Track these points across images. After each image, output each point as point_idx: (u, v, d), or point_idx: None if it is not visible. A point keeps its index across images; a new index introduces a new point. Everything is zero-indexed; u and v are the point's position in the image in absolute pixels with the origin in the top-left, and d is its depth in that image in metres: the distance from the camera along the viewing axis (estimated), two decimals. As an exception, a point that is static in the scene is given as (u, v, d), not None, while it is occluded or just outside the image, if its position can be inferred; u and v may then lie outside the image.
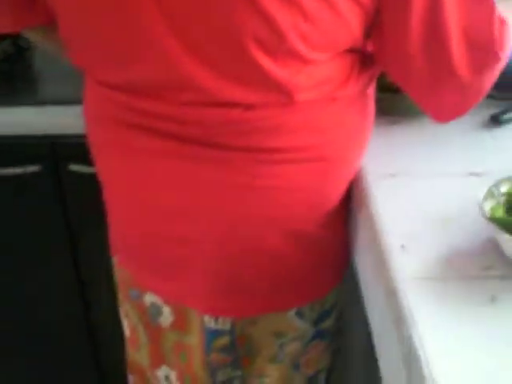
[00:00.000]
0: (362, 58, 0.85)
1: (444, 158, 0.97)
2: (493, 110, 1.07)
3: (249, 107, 0.79)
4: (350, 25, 0.77)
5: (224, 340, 0.96)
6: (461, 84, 0.81)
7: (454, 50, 0.78)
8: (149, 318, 1.00)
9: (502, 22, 0.80)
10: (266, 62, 0.75)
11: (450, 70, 0.80)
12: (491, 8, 0.78)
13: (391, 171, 0.93)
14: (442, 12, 0.76)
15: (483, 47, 0.79)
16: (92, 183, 1.03)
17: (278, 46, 0.75)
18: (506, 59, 0.83)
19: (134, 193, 0.90)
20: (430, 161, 0.96)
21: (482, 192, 0.77)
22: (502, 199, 0.77)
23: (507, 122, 1.06)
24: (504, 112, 1.07)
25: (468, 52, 0.79)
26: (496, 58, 0.80)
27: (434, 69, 0.80)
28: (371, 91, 0.91)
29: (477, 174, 0.90)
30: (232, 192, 0.84)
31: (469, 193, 0.82)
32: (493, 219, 0.74)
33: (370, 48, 0.85)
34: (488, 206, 0.75)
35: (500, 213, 0.75)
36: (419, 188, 0.89)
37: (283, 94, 0.79)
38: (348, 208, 0.95)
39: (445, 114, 0.88)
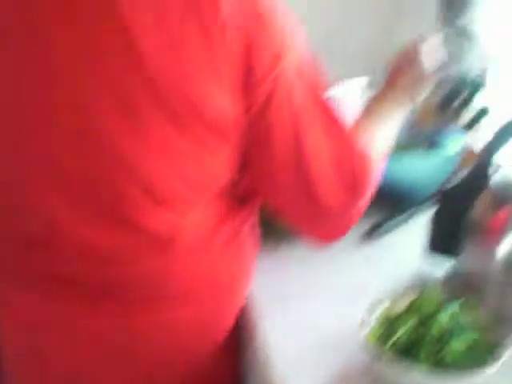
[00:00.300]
0: (240, 194, 0.90)
1: (325, 279, 1.01)
2: (369, 223, 1.12)
3: (128, 263, 0.82)
4: (221, 162, 0.82)
5: None
6: (331, 214, 0.87)
7: (320, 187, 0.84)
8: None
9: (363, 159, 0.85)
10: (143, 216, 0.79)
11: (319, 203, 0.85)
12: (351, 149, 0.85)
13: (275, 298, 0.96)
14: (303, 160, 0.82)
15: (346, 186, 0.85)
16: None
17: (156, 202, 0.79)
18: (372, 189, 0.89)
19: (31, 353, 0.89)
20: (311, 282, 1.00)
21: (360, 314, 0.81)
22: (380, 318, 0.81)
23: (383, 234, 1.13)
24: (378, 226, 1.13)
25: (333, 189, 0.85)
26: (360, 194, 0.87)
27: (304, 201, 0.86)
28: (253, 222, 0.94)
29: (357, 292, 0.94)
30: (123, 339, 0.85)
31: (350, 313, 0.84)
32: (367, 347, 0.77)
33: (246, 183, 0.89)
34: (366, 329, 0.79)
35: (377, 334, 0.79)
36: (303, 312, 0.93)
37: (163, 246, 0.81)
38: (238, 340, 0.96)
39: (322, 239, 0.93)
